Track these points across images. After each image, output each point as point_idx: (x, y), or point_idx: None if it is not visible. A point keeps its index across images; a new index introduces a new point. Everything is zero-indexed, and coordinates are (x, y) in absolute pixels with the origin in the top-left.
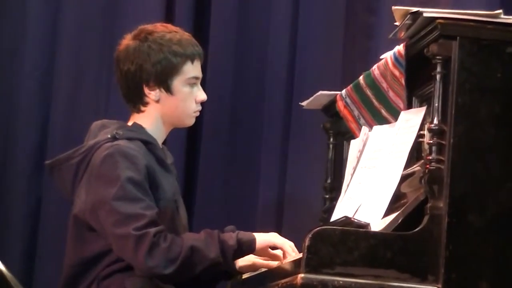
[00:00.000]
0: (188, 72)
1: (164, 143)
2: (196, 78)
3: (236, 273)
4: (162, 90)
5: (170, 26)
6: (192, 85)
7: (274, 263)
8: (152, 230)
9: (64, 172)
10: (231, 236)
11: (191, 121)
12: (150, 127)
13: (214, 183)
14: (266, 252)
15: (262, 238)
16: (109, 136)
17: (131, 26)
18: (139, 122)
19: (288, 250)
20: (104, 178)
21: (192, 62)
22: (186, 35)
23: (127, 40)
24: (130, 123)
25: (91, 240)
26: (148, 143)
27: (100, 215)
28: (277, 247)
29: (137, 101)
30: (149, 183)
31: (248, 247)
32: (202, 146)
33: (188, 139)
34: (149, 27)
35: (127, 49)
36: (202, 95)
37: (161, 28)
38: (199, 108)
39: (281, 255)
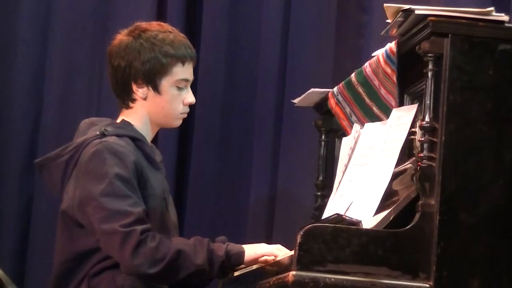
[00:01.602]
0: (177, 74)
1: (155, 141)
2: (186, 80)
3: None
4: (150, 88)
5: (166, 26)
6: (181, 87)
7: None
8: (139, 227)
9: (54, 170)
10: (220, 246)
11: (177, 123)
12: (138, 124)
13: (206, 180)
14: (256, 262)
15: (252, 251)
16: (97, 133)
17: (123, 24)
18: (127, 119)
19: (279, 255)
20: (92, 174)
21: (183, 64)
22: (180, 37)
23: (122, 36)
24: (118, 120)
25: (80, 236)
26: (136, 139)
27: (88, 211)
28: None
29: (125, 97)
30: (137, 179)
31: (237, 260)
32: (194, 144)
33: (180, 137)
34: (144, 24)
35: (120, 44)
36: (190, 98)
37: (156, 27)
38: (187, 110)
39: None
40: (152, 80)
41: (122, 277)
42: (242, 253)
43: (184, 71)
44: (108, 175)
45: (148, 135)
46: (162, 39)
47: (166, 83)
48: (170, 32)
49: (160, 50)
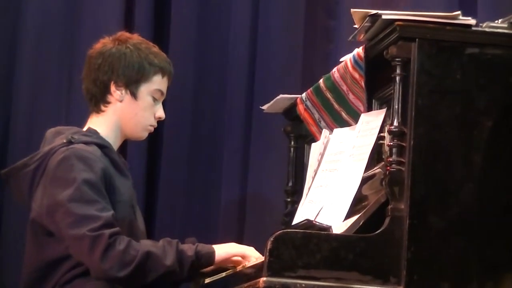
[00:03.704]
0: (156, 83)
1: (125, 147)
2: (161, 93)
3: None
4: (128, 92)
5: (149, 42)
6: (156, 98)
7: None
8: (108, 231)
9: (21, 179)
10: (190, 247)
11: (143, 134)
12: (105, 132)
13: (176, 187)
14: (227, 262)
15: (222, 251)
16: (64, 141)
17: (91, 34)
18: (95, 126)
19: (249, 257)
20: (60, 180)
21: (163, 76)
22: (163, 53)
23: (106, 40)
24: (85, 128)
25: (49, 245)
26: (103, 147)
27: (57, 218)
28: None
29: (99, 99)
30: (106, 186)
31: (207, 260)
32: (163, 150)
33: (150, 142)
34: (129, 34)
35: (104, 47)
36: (161, 112)
37: (141, 39)
38: (155, 124)
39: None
40: (132, 84)
41: (93, 284)
42: (212, 253)
43: (162, 83)
44: (76, 180)
45: (115, 144)
46: (147, 47)
47: (144, 89)
48: (154, 46)
49: (146, 57)
